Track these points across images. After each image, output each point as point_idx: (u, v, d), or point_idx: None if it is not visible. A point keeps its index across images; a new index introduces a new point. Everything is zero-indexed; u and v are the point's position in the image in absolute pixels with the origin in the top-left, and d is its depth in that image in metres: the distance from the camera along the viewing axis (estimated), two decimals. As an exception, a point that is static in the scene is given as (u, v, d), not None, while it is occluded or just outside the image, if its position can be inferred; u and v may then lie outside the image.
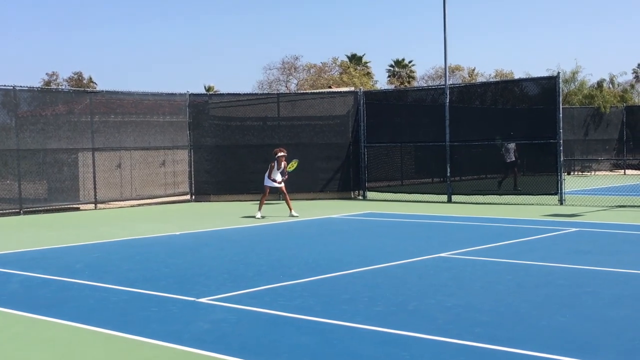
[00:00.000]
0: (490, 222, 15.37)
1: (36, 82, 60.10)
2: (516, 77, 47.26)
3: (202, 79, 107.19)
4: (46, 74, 61.42)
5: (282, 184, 17.30)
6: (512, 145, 21.28)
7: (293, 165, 17.80)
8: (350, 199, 22.56)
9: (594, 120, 37.40)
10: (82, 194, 20.72)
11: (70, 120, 20.77)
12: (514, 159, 21.31)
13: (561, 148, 19.09)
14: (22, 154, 19.42)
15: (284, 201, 17.56)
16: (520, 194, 20.03)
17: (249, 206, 19.93)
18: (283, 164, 17.31)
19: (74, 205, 20.56)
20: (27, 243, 13.08)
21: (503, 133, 21.08)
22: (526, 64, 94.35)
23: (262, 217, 16.86)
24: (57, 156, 20.43)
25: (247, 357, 5.73)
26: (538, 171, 21.03)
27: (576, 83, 41.49)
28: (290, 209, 17.09)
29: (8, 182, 19.55)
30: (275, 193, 18.99)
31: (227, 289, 8.41)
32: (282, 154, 17.32)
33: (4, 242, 13.32)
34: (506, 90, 22.99)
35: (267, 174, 17.29)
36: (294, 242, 13.04)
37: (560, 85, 19.41)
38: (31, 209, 19.42)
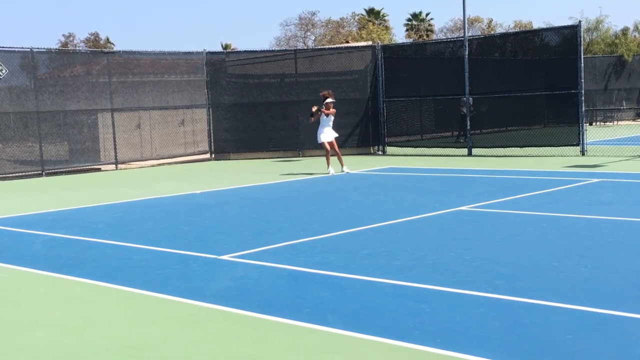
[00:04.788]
0: (512, 174, 15.27)
1: (53, 44, 60.15)
2: (535, 27, 46.49)
3: (219, 37, 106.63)
4: (63, 35, 61.45)
5: (334, 139, 16.59)
6: (466, 100, 21.05)
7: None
8: (369, 154, 22.49)
9: (616, 69, 36.84)
10: (102, 154, 20.83)
11: (89, 82, 20.79)
12: (464, 112, 21.20)
13: (582, 98, 18.86)
14: (42, 116, 19.51)
15: (335, 155, 16.77)
16: (534, 146, 19.81)
17: (268, 164, 19.94)
18: (331, 111, 16.60)
19: (95, 166, 20.69)
20: (50, 204, 13.20)
21: (523, 84, 20.86)
22: (546, 13, 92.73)
23: (345, 171, 16.50)
24: (77, 117, 20.51)
25: (268, 313, 5.77)
26: (559, 122, 20.83)
27: (599, 32, 40.81)
28: (342, 164, 16.67)
29: (29, 144, 19.69)
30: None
31: (248, 246, 8.45)
32: (329, 100, 16.59)
33: (27, 204, 13.45)
34: (526, 40, 22.65)
35: (321, 127, 16.67)
36: (313, 199, 13.05)
37: (582, 34, 19.08)
38: (53, 171, 19.57)
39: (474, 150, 20.59)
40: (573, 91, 19.00)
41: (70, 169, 20.05)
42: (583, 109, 18.88)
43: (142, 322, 5.77)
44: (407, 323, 5.37)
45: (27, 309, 6.33)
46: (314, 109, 16.77)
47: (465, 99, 21.02)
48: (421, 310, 5.67)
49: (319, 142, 16.79)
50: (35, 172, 19.26)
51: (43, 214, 11.99)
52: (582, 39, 19.00)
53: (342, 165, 16.78)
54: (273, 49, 42.44)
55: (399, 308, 5.76)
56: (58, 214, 12.00)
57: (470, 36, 22.48)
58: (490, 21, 59.58)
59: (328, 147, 16.61)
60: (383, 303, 5.93)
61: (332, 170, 16.51)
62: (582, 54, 18.87)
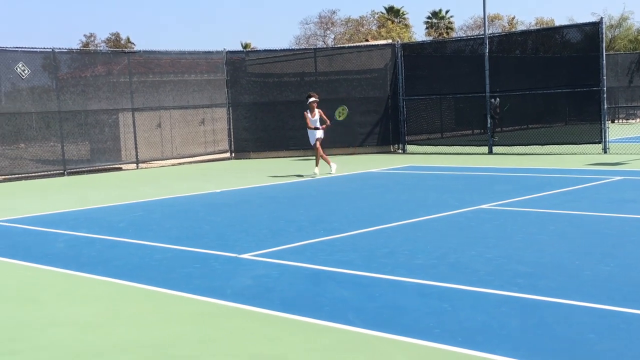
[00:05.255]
0: (533, 172, 15.17)
1: (74, 44, 60.59)
2: (557, 24, 46.16)
3: (238, 36, 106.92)
4: (84, 35, 61.92)
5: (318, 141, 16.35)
6: (493, 101, 21.25)
7: (342, 112, 16.82)
8: (389, 152, 22.44)
9: (639, 66, 36.49)
10: (123, 154, 20.96)
11: (110, 81, 20.93)
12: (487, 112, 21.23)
13: (605, 95, 18.70)
14: (64, 116, 19.67)
15: (314, 156, 16.63)
16: (556, 144, 19.69)
17: (288, 162, 19.95)
18: (317, 111, 16.29)
19: (116, 165, 20.83)
20: (72, 203, 13.30)
21: (545, 81, 20.74)
22: (568, 9, 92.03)
23: (314, 174, 16.18)
24: (98, 117, 20.65)
25: (289, 312, 5.77)
26: (581, 120, 20.68)
27: (622, 29, 40.49)
28: (316, 166, 16.34)
29: (52, 144, 19.87)
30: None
31: (268, 245, 8.46)
32: (313, 99, 16.26)
33: (49, 203, 13.57)
34: (547, 38, 22.50)
35: (308, 127, 16.44)
36: (333, 197, 13.04)
37: (604, 31, 18.93)
38: (74, 170, 19.73)
39: (495, 149, 20.48)
40: (595, 88, 18.85)
41: (91, 168, 20.19)
42: (605, 106, 18.73)
43: (163, 320, 5.80)
44: (427, 322, 5.36)
45: (49, 306, 6.38)
46: (325, 126, 16.43)
47: (492, 100, 21.14)
48: (442, 309, 5.65)
49: (313, 143, 16.41)
50: (58, 172, 19.42)
51: (65, 213, 12.08)
52: (604, 36, 18.83)
53: (315, 166, 16.36)
54: (293, 47, 42.48)
55: (420, 307, 5.74)
56: (80, 213, 12.09)
57: (490, 34, 22.38)
58: (512, 18, 59.31)
59: (319, 147, 16.33)
60: (404, 302, 5.91)
61: (334, 166, 16.34)
62: (604, 50, 18.71)
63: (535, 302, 5.76)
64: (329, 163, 16.49)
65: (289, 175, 16.61)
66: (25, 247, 9.22)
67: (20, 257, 8.47)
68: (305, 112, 16.50)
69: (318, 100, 16.48)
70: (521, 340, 4.88)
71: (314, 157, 16.64)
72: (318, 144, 16.39)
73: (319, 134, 16.41)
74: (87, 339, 5.42)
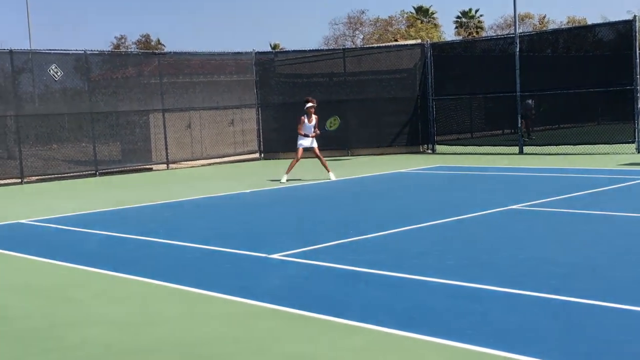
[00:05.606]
0: (564, 172, 15.01)
1: (105, 46, 61.14)
2: (590, 23, 45.65)
3: (267, 37, 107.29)
4: (115, 37, 62.44)
5: (315, 145, 15.78)
6: (529, 102, 21.65)
7: (334, 123, 16.51)
8: (419, 153, 22.35)
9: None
10: (154, 154, 21.14)
11: (140, 82, 21.12)
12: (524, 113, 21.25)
13: (638, 95, 18.45)
14: (96, 117, 19.88)
15: (320, 162, 15.96)
16: (588, 144, 19.47)
17: (317, 163, 19.93)
18: (314, 117, 15.79)
19: (147, 166, 21.00)
20: (104, 203, 13.43)
21: (576, 81, 20.52)
22: (601, 7, 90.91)
23: (287, 180, 15.58)
24: (129, 118, 20.85)
25: (319, 312, 5.77)
26: (614, 119, 20.41)
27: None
28: (328, 170, 15.82)
29: (83, 144, 20.10)
30: (344, 148, 18.75)
31: (298, 245, 8.46)
32: (310, 104, 15.78)
33: (82, 203, 13.71)
34: (579, 36, 22.27)
35: (298, 131, 15.85)
36: (363, 198, 13.02)
37: (638, 28, 18.68)
38: (106, 171, 19.93)
39: (526, 149, 20.31)
40: (628, 87, 18.61)
41: (122, 168, 20.38)
42: (638, 105, 18.48)
43: (194, 320, 5.83)
44: (459, 323, 5.32)
45: (84, 306, 6.45)
46: (313, 134, 15.83)
47: (528, 101, 21.22)
48: (474, 310, 5.61)
49: (307, 147, 15.82)
50: (89, 172, 19.63)
51: (97, 213, 12.20)
52: (637, 34, 18.59)
53: (327, 171, 15.78)
54: (321, 48, 42.51)
55: (451, 307, 5.71)
56: (112, 213, 12.21)
57: (521, 33, 22.19)
58: (543, 17, 58.76)
59: (299, 155, 15.79)
60: (435, 302, 5.88)
61: (284, 178, 15.59)
62: (637, 49, 18.46)
63: (568, 303, 5.70)
64: (287, 172, 15.77)
65: (317, 176, 16.59)
66: (58, 247, 9.33)
67: (54, 256, 8.57)
68: (302, 117, 15.88)
69: (316, 105, 15.98)
70: (554, 342, 4.83)
71: (320, 161, 15.96)
72: (300, 152, 15.77)
73: (307, 142, 15.78)
74: (120, 338, 5.47)
